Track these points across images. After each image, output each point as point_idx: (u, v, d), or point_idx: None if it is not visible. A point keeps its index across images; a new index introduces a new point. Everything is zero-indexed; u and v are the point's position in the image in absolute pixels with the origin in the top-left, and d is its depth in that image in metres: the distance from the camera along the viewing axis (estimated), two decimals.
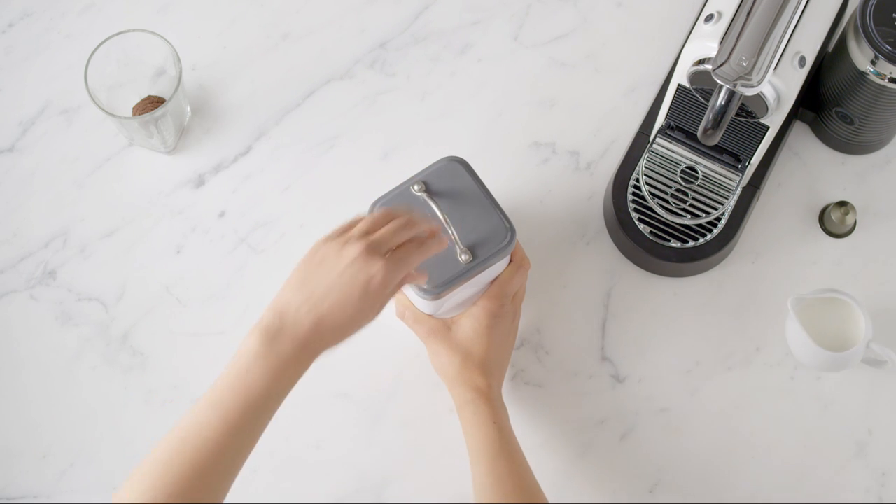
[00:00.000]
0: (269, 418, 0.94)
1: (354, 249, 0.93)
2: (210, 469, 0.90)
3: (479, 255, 1.06)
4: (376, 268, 0.92)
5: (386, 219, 0.97)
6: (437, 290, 1.05)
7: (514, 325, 1.15)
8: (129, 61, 1.24)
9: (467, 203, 1.08)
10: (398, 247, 0.95)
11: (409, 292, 1.10)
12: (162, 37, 1.22)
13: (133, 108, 1.26)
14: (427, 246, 0.96)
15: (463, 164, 1.09)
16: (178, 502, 0.88)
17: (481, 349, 1.10)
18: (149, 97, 1.26)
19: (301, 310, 0.92)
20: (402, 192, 1.08)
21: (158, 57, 1.24)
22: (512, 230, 1.07)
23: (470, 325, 1.11)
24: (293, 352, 0.92)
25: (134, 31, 1.22)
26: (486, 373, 1.10)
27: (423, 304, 1.11)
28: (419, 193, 1.07)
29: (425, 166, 1.11)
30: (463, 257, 1.05)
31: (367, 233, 0.95)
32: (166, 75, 1.25)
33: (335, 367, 1.20)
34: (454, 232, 1.05)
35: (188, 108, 1.28)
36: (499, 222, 1.07)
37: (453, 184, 1.09)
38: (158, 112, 1.20)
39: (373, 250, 0.93)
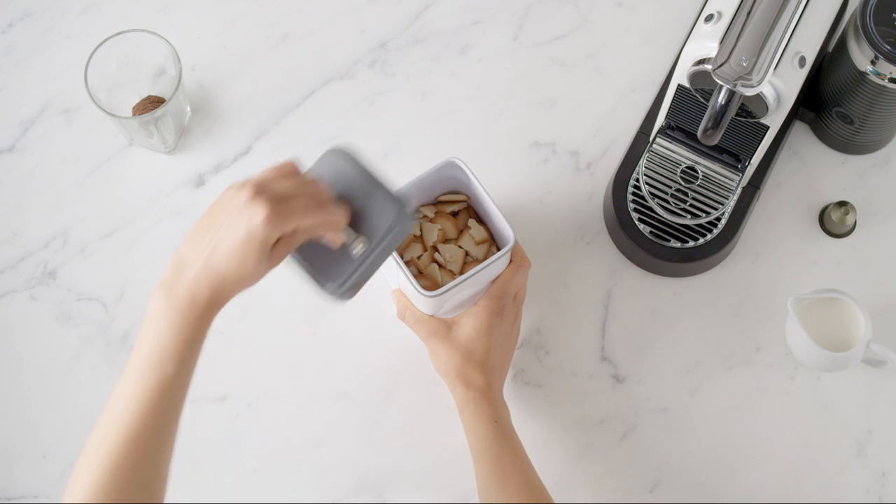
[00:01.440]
0: (188, 372, 0.91)
1: (245, 192, 0.88)
2: (141, 436, 0.88)
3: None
4: (258, 209, 0.87)
5: (286, 171, 0.92)
6: (438, 289, 1.06)
7: (515, 325, 1.15)
8: (129, 61, 1.24)
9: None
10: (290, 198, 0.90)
11: (410, 292, 1.10)
12: (162, 37, 1.22)
13: (133, 107, 1.26)
14: (318, 212, 0.91)
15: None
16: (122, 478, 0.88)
17: (482, 349, 1.10)
18: (149, 97, 1.26)
19: (196, 259, 0.90)
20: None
21: (158, 57, 1.24)
22: (511, 230, 1.07)
23: (471, 325, 1.11)
24: (191, 304, 0.89)
25: (134, 31, 1.22)
26: (487, 372, 1.10)
27: (423, 304, 1.11)
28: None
29: (425, 166, 1.11)
30: None
31: (265, 181, 0.90)
32: (166, 75, 1.25)
33: (335, 367, 1.20)
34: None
35: (188, 108, 1.28)
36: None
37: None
38: (158, 112, 1.20)
39: (259, 191, 0.88)
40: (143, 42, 1.23)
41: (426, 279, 1.12)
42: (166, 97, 1.25)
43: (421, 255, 1.13)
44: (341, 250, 0.95)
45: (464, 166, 1.10)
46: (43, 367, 1.21)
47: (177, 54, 1.21)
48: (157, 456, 0.90)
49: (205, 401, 1.19)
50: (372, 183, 0.97)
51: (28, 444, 1.19)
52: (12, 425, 1.20)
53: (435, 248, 1.13)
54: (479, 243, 1.13)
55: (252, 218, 0.87)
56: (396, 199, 0.96)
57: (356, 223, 0.96)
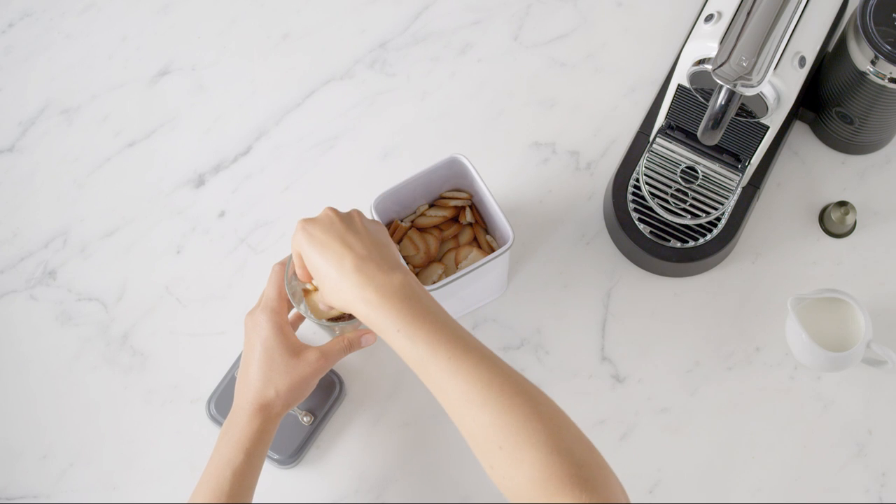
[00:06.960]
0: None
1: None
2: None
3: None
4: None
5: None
6: (434, 284, 1.06)
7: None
8: None
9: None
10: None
11: None
12: None
13: None
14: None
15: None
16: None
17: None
18: None
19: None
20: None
21: None
22: (511, 230, 1.07)
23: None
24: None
25: None
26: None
27: None
28: None
29: (425, 166, 1.11)
30: None
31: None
32: None
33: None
34: None
35: None
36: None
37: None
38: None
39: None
40: None
41: (422, 279, 1.13)
42: None
43: (417, 254, 1.13)
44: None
45: (467, 163, 1.10)
46: (43, 367, 1.21)
47: None
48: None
49: (205, 401, 1.19)
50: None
51: (28, 444, 1.19)
52: (13, 425, 1.20)
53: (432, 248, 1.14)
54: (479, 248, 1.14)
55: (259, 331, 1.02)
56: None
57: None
